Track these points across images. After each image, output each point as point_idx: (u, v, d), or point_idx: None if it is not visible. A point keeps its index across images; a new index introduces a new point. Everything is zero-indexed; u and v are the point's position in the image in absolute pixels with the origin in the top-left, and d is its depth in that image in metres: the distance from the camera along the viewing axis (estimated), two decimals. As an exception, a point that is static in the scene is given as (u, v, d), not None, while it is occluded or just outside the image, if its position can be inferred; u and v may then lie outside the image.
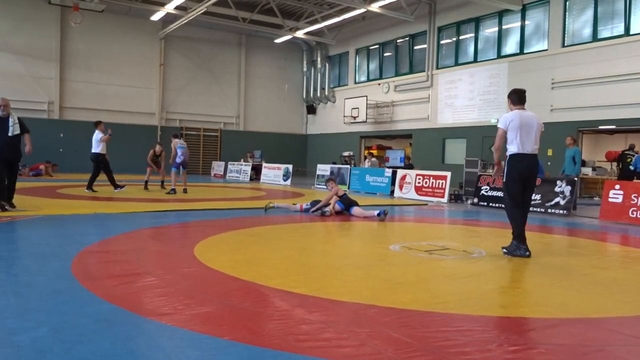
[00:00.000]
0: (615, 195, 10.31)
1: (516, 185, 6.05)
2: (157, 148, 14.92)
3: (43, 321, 3.14)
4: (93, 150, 13.16)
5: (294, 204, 10.53)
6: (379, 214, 9.28)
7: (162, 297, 3.77)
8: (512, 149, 6.06)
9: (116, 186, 13.03)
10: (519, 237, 5.96)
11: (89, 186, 13.01)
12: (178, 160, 13.39)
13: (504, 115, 6.20)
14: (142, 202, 10.89)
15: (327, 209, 9.76)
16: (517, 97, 6.23)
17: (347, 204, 9.99)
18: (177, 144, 13.66)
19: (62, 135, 23.61)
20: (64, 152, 23.42)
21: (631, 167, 13.50)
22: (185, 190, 13.71)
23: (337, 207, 9.88)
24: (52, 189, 13.67)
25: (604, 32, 16.08)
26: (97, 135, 13.10)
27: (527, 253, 5.87)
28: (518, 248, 5.93)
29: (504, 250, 6.07)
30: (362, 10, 20.97)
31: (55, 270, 4.50)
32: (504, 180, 6.21)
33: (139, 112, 25.77)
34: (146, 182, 14.49)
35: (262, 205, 10.48)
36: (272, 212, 9.83)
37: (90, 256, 5.17)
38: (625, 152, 14.78)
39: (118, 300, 3.64)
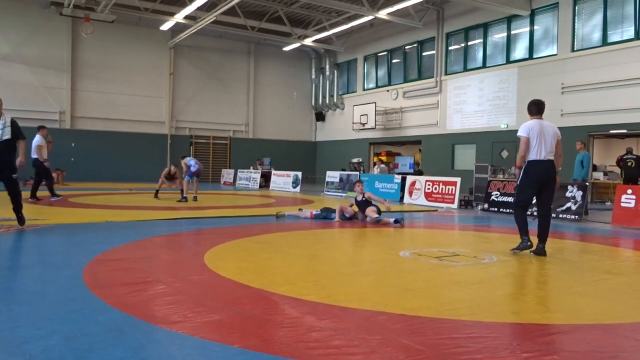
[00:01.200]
0: (628, 200, 10.20)
1: (529, 191, 6.46)
2: (172, 169, 14.93)
3: (55, 330, 3.16)
4: (32, 156, 12.27)
5: (300, 210, 10.57)
6: (396, 221, 9.30)
7: (173, 304, 3.78)
8: (529, 155, 6.41)
9: (53, 194, 12.60)
10: (524, 233, 6.45)
11: (33, 195, 12.33)
12: (192, 169, 13.53)
13: (524, 124, 6.55)
14: (153, 210, 10.94)
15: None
16: (536, 108, 6.59)
17: (366, 206, 9.96)
18: (188, 160, 13.88)
19: (73, 144, 23.83)
20: (75, 162, 23.62)
21: None
22: (195, 198, 13.79)
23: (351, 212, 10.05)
24: (63, 198, 13.77)
25: (613, 36, 16.00)
26: (37, 140, 12.56)
27: (529, 243, 6.36)
28: (522, 242, 6.41)
29: (513, 250, 6.50)
30: (370, 17, 21.02)
31: (66, 279, 4.53)
32: (518, 184, 6.57)
33: (149, 121, 25.97)
34: (157, 191, 14.53)
35: (271, 212, 10.51)
36: (281, 220, 9.85)
37: (101, 264, 5.19)
38: (625, 157, 14.71)
39: (129, 308, 3.66)
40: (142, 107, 25.70)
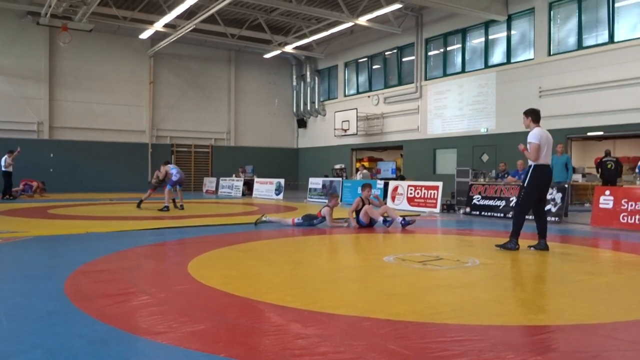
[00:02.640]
0: (606, 201, 10.39)
1: (535, 193, 6.99)
2: (162, 171, 14.53)
3: (37, 344, 3.11)
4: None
5: (284, 219, 10.56)
6: (403, 224, 9.64)
7: (157, 315, 3.74)
8: (539, 161, 6.92)
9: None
10: (516, 235, 6.97)
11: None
12: (174, 178, 13.43)
13: (533, 132, 6.98)
14: (135, 220, 10.83)
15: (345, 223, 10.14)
16: (537, 117, 7.14)
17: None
18: (170, 167, 13.79)
19: (52, 155, 23.51)
20: (54, 172, 23.29)
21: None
22: (181, 207, 13.73)
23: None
24: (43, 210, 13.57)
25: (588, 40, 16.32)
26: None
27: (517, 246, 6.92)
28: (510, 242, 6.97)
29: (499, 246, 7.10)
30: (350, 24, 21.17)
31: (48, 292, 4.46)
32: (526, 187, 6.97)
33: (130, 130, 25.73)
34: (141, 201, 14.24)
35: (254, 220, 10.47)
36: (264, 227, 9.82)
37: (83, 276, 5.13)
38: (604, 159, 14.98)
39: (112, 320, 3.62)
40: (122, 116, 25.46)
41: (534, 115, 7.13)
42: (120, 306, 3.99)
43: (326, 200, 11.80)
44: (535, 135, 6.91)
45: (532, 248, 7.02)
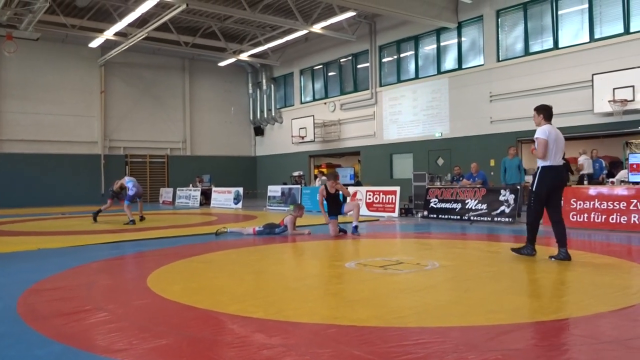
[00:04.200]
0: (556, 200, 10.75)
1: (544, 197, 6.45)
2: (119, 183, 14.06)
3: (-11, 368, 2.98)
4: None
5: (244, 228, 10.48)
6: (355, 231, 9.62)
7: (116, 332, 3.65)
8: (546, 161, 6.39)
9: None
10: (531, 241, 6.60)
11: None
12: (130, 192, 13.06)
13: (542, 128, 6.46)
14: (89, 235, 10.52)
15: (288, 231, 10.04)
16: (548, 114, 6.59)
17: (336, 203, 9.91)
18: (126, 180, 13.41)
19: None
20: (1, 187, 22.36)
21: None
22: (142, 218, 13.50)
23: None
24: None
25: (534, 47, 16.94)
26: None
27: (534, 252, 6.56)
28: (526, 247, 6.63)
29: (515, 250, 6.79)
30: (305, 31, 21.27)
31: (-2, 313, 4.28)
32: (534, 190, 6.50)
33: (81, 142, 24.97)
34: (98, 211, 13.81)
35: (213, 230, 10.34)
36: (223, 237, 9.72)
37: (36, 295, 4.94)
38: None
39: (69, 339, 3.50)
40: (72, 127, 24.70)
41: (545, 112, 6.56)
42: (77, 324, 3.87)
43: (286, 208, 11.75)
44: (543, 130, 6.39)
45: (552, 259, 6.38)
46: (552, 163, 6.34)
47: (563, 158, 15.50)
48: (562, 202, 6.63)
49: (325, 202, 9.95)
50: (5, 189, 22.41)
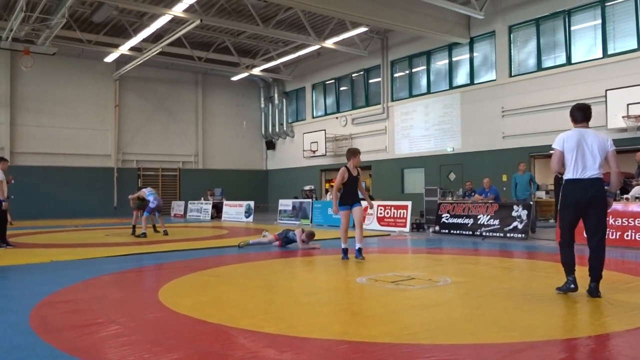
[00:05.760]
0: (569, 216, 10.63)
1: (569, 218, 5.33)
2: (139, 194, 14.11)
3: (2, 380, 2.99)
4: None
5: (263, 236, 10.53)
6: (358, 256, 8.18)
7: (127, 346, 3.65)
8: (566, 173, 5.33)
9: (4, 241, 10.51)
10: (567, 272, 5.33)
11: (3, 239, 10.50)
12: (152, 205, 13.11)
13: (559, 135, 5.44)
14: (101, 247, 10.58)
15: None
16: (581, 114, 5.41)
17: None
18: (146, 192, 13.39)
19: (13, 181, 22.76)
20: (16, 199, 22.56)
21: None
22: (165, 232, 13.51)
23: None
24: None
25: (547, 62, 16.90)
26: None
27: (573, 285, 5.22)
28: (566, 283, 5.32)
29: (557, 289, 5.42)
30: (317, 46, 21.43)
31: (12, 325, 4.31)
32: (558, 209, 5.57)
33: (95, 155, 25.24)
34: (134, 226, 13.66)
35: (225, 244, 10.38)
36: (237, 250, 9.74)
37: (49, 307, 4.97)
38: (561, 175, 15.37)
39: (81, 352, 3.51)
40: (86, 141, 25.00)
41: (577, 113, 5.43)
42: (89, 338, 3.88)
43: (297, 222, 11.69)
44: (558, 139, 5.39)
45: (559, 291, 5.39)
46: (573, 176, 5.22)
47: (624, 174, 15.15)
48: (603, 225, 5.28)
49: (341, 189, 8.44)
50: (20, 201, 22.56)
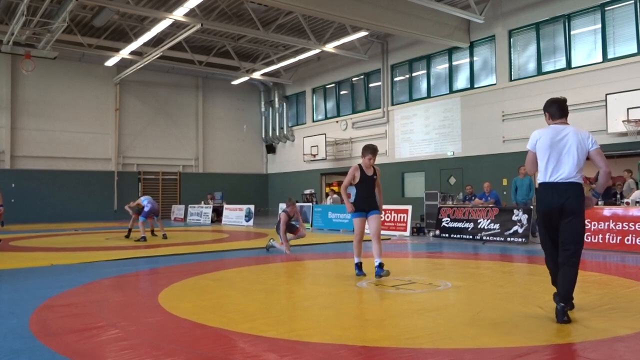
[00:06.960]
0: (570, 221, 10.62)
1: (543, 226, 4.63)
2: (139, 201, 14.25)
3: (1, 384, 2.99)
4: None
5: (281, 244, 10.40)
6: (380, 272, 6.67)
7: (128, 350, 3.65)
8: (538, 176, 4.64)
9: None
10: (558, 293, 4.41)
11: None
12: (146, 209, 13.17)
13: (533, 132, 4.83)
14: (101, 251, 10.58)
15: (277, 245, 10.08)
16: (557, 109, 4.75)
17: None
18: (142, 199, 13.58)
19: (13, 185, 22.83)
20: (16, 203, 22.59)
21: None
22: (164, 236, 13.50)
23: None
24: (4, 242, 13.11)
25: (547, 66, 16.92)
26: None
27: (565, 318, 4.25)
28: (556, 309, 4.35)
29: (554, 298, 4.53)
30: (317, 50, 21.45)
31: (12, 328, 4.30)
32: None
33: (95, 158, 25.25)
34: (130, 229, 13.83)
35: (225, 247, 10.37)
36: (242, 254, 9.73)
37: (49, 311, 4.96)
38: None
39: (81, 356, 3.51)
40: (86, 144, 25.01)
41: (551, 108, 4.79)
42: (89, 341, 3.87)
43: (297, 225, 11.61)
44: (530, 139, 4.80)
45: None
46: (545, 179, 4.53)
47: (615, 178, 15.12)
48: (577, 239, 4.46)
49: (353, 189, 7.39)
50: (20, 204, 22.63)
